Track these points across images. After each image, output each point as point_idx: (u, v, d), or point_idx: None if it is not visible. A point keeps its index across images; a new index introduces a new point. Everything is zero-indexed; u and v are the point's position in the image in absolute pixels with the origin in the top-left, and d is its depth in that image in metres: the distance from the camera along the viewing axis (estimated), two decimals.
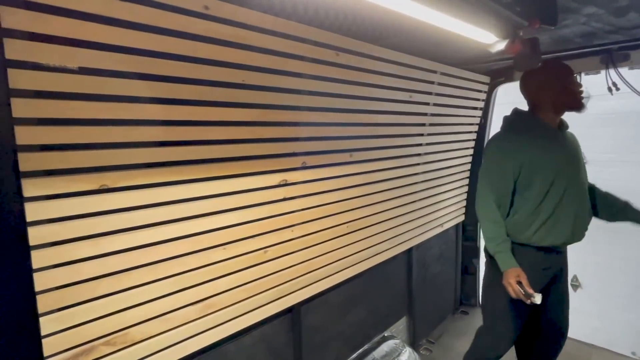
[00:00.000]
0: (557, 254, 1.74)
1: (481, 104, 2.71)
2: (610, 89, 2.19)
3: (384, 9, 0.90)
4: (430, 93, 2.14)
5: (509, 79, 2.61)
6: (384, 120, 1.92)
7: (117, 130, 1.00)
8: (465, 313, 3.08)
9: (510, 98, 3.89)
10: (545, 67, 1.61)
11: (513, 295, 1.59)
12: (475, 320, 3.00)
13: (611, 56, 2.17)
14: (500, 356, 1.84)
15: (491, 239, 1.67)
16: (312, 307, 1.78)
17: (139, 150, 1.06)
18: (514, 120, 1.74)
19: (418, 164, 2.27)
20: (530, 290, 1.54)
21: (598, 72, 2.40)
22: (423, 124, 2.22)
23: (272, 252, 1.49)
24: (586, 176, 1.76)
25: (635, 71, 2.19)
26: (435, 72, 2.10)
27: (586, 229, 1.73)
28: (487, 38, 1.07)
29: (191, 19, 1.07)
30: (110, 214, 1.02)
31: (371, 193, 1.95)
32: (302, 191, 1.57)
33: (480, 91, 2.61)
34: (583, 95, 1.75)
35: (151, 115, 1.07)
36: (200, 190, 1.21)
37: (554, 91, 1.61)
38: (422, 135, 2.24)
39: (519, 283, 1.57)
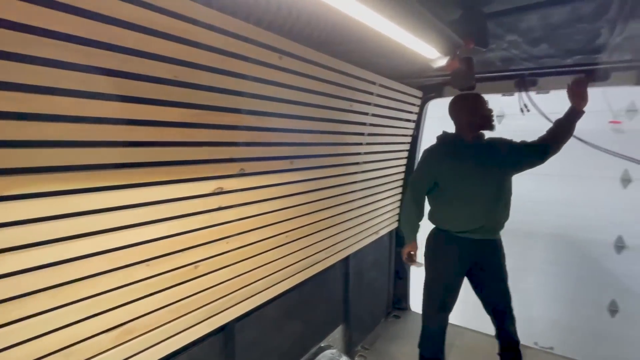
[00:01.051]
0: (475, 244, 2.08)
1: (414, 117, 2.85)
2: (522, 110, 2.46)
3: (335, 10, 0.87)
4: (369, 103, 2.19)
5: (439, 94, 2.79)
6: (325, 128, 1.90)
7: (9, 126, 0.82)
8: (397, 317, 3.20)
9: (440, 113, 4.21)
10: (465, 98, 2.07)
11: (404, 260, 2.26)
12: (407, 323, 3.13)
13: (523, 80, 2.45)
14: (438, 324, 2.22)
15: (402, 223, 2.33)
16: (246, 323, 1.67)
17: (40, 150, 0.88)
18: (441, 137, 2.19)
19: (356, 173, 2.30)
20: (415, 259, 2.24)
21: (512, 94, 2.69)
22: (362, 134, 2.26)
23: (203, 267, 1.36)
24: (501, 178, 2.05)
25: (542, 95, 2.48)
26: (374, 83, 2.15)
27: (497, 222, 2.10)
28: (431, 53, 1.11)
29: (115, 2, 0.92)
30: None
31: (311, 201, 1.91)
32: (238, 200, 1.47)
33: (413, 104, 2.75)
34: (497, 114, 2.08)
35: (58, 109, 0.89)
36: (119, 198, 1.05)
37: (470, 116, 2.04)
38: (361, 144, 2.28)
39: (411, 255, 2.22)
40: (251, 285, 1.63)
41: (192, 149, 1.25)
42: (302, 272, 1.97)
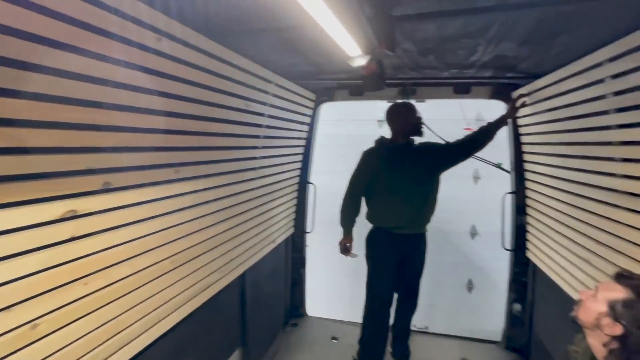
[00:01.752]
0: (404, 238, 2.30)
1: (308, 119, 2.79)
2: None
3: None
4: (265, 103, 2.00)
5: (331, 98, 2.79)
6: (218, 129, 1.63)
7: None
8: (295, 325, 3.10)
9: (334, 116, 4.29)
10: (399, 106, 2.33)
11: (341, 252, 2.44)
12: (305, 330, 3.06)
13: (405, 89, 2.63)
14: (378, 320, 2.41)
15: (341, 218, 2.41)
16: None
17: None
18: (378, 141, 2.40)
19: (253, 179, 2.09)
20: (351, 251, 2.44)
21: (395, 102, 2.87)
22: (257, 136, 2.06)
23: (47, 325, 0.96)
24: (430, 178, 2.31)
25: (419, 104, 2.69)
26: (270, 82, 1.97)
27: (425, 218, 2.37)
28: (353, 49, 1.00)
29: None
30: None
31: (201, 216, 1.62)
32: (101, 225, 1.09)
33: (307, 107, 2.68)
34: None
35: None
36: None
37: (404, 123, 2.28)
38: (256, 147, 2.07)
39: (347, 247, 2.42)
40: (125, 331, 1.26)
41: (25, 158, 0.86)
42: (193, 300, 1.65)
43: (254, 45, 1.48)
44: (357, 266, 2.58)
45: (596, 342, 1.19)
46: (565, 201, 1.92)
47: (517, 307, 2.76)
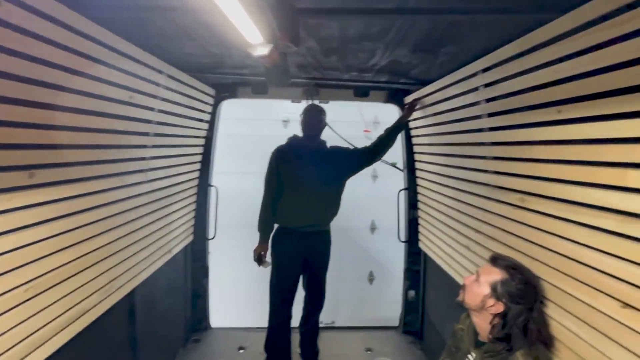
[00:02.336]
0: (309, 236, 2.32)
1: (208, 117, 2.58)
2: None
3: None
4: (155, 96, 1.76)
5: (233, 95, 2.64)
6: (91, 124, 1.35)
7: None
8: (198, 341, 2.84)
9: (237, 114, 4.07)
10: (313, 108, 2.40)
11: (255, 260, 2.37)
12: (209, 344, 2.83)
13: (309, 89, 2.64)
14: (280, 319, 2.41)
15: (259, 224, 2.36)
16: None
17: None
18: (290, 139, 2.42)
19: (141, 183, 1.81)
20: (264, 260, 2.36)
21: (299, 101, 2.87)
22: (147, 134, 1.80)
23: None
24: (336, 179, 2.37)
25: (322, 104, 2.73)
26: (161, 72, 1.74)
27: (329, 216, 2.43)
28: (254, 35, 0.91)
29: None
30: None
31: (69, 230, 1.32)
32: None
33: (206, 103, 2.47)
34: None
35: None
36: None
37: (316, 125, 2.36)
38: (145, 147, 1.81)
39: (261, 256, 2.35)
40: None
41: None
42: (62, 332, 1.34)
43: (137, 27, 1.26)
44: (267, 269, 2.50)
45: (481, 321, 1.34)
46: (449, 195, 2.15)
47: (412, 293, 3.03)
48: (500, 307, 1.26)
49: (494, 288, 1.28)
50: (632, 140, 0.91)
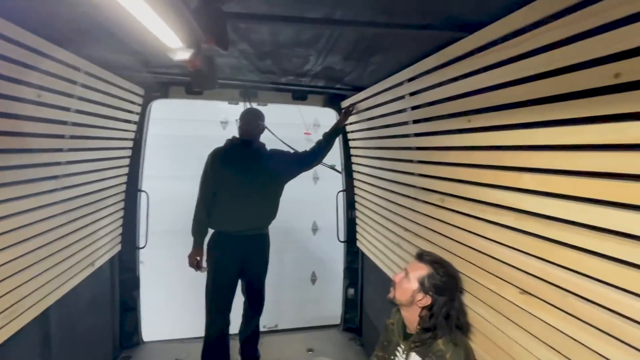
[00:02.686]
0: (245, 240, 2.28)
1: (136, 117, 2.41)
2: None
3: None
4: (71, 96, 1.61)
5: (165, 95, 2.50)
6: None
7: None
8: (128, 358, 2.64)
9: (172, 115, 3.86)
10: (253, 111, 2.38)
11: (190, 266, 2.30)
12: None
13: (246, 91, 2.60)
14: (217, 326, 2.34)
15: (193, 227, 2.29)
16: None
17: None
18: (227, 142, 2.37)
19: (55, 190, 1.64)
20: (202, 265, 2.30)
21: (237, 103, 2.82)
22: (62, 136, 1.63)
23: None
24: (274, 182, 2.35)
25: (261, 107, 2.72)
26: (78, 69, 1.59)
27: (266, 220, 2.39)
28: (172, 40, 0.87)
29: None
30: None
31: None
32: None
33: (134, 103, 2.32)
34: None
35: None
36: None
37: (255, 128, 2.35)
38: (61, 150, 1.64)
39: (197, 261, 2.29)
40: None
41: None
42: None
43: (41, 18, 1.14)
44: (203, 276, 2.41)
45: (410, 315, 1.44)
46: (382, 196, 2.27)
47: (351, 291, 3.13)
48: (428, 300, 1.37)
49: (421, 283, 1.38)
50: (526, 148, 1.04)
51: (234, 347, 2.56)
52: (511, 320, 1.15)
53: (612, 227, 0.79)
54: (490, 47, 1.10)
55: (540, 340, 1.05)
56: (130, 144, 2.45)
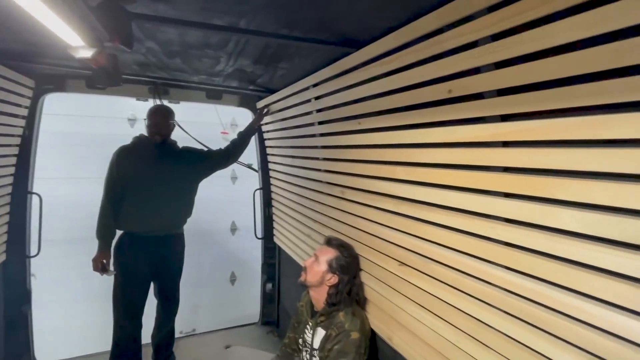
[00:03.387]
0: (157, 241, 2.22)
1: (25, 112, 2.18)
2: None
3: None
4: None
5: (60, 88, 2.30)
6: None
7: None
8: None
9: (70, 109, 3.48)
10: (163, 109, 2.29)
11: (95, 270, 2.16)
12: None
13: (156, 88, 2.53)
14: (128, 331, 2.24)
15: (98, 230, 2.16)
16: None
17: None
18: (134, 140, 2.28)
19: None
20: (107, 269, 2.18)
21: (146, 100, 2.72)
22: None
23: None
24: (187, 181, 2.33)
25: (173, 105, 2.67)
26: None
27: (176, 221, 2.35)
28: (72, 38, 0.87)
29: None
30: None
31: None
32: None
33: (23, 96, 2.10)
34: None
35: None
36: None
37: (164, 125, 2.24)
38: None
39: (103, 264, 2.16)
40: None
41: None
42: None
43: None
44: (109, 287, 2.27)
45: (318, 294, 1.62)
46: (295, 192, 2.43)
47: (269, 286, 3.24)
48: (335, 279, 1.56)
49: (330, 264, 1.57)
50: (397, 146, 1.29)
51: (146, 353, 2.46)
52: (393, 289, 1.40)
53: (459, 207, 1.04)
54: (372, 62, 1.32)
55: (414, 302, 1.30)
56: (17, 140, 2.20)
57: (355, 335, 1.45)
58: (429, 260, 1.21)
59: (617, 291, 0.68)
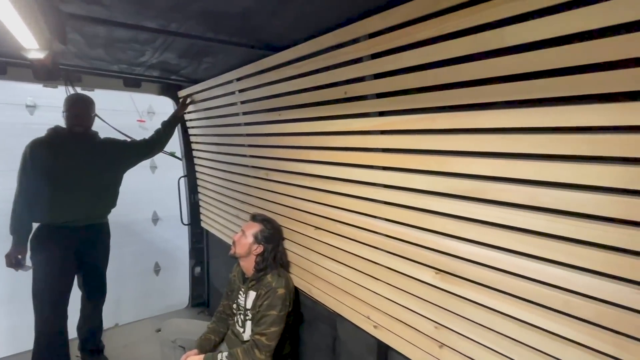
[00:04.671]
0: (80, 230, 2.23)
1: None
2: None
3: None
4: None
5: None
6: None
7: None
8: None
9: None
10: (82, 98, 2.28)
11: (9, 265, 2.12)
12: None
13: (68, 74, 2.45)
14: (53, 322, 2.20)
15: (12, 225, 2.10)
16: None
17: None
18: (50, 132, 2.21)
19: None
20: (23, 264, 2.15)
21: (56, 86, 2.60)
22: None
23: None
24: (110, 171, 2.35)
25: (88, 92, 2.60)
26: None
27: (98, 213, 2.37)
28: (28, 41, 0.94)
29: None
30: None
31: None
32: None
33: None
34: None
35: None
36: None
37: (84, 115, 2.25)
38: None
39: (19, 259, 2.12)
40: None
41: None
42: None
43: None
44: (18, 285, 2.19)
45: (247, 263, 1.88)
46: (221, 177, 2.62)
47: (197, 269, 3.38)
48: (260, 249, 1.83)
49: (255, 236, 1.84)
50: (308, 134, 1.61)
51: (72, 346, 2.44)
52: (311, 249, 1.74)
53: (353, 178, 1.40)
54: (288, 65, 1.60)
55: (326, 256, 1.65)
56: None
57: (281, 291, 1.75)
58: (336, 222, 1.57)
59: (447, 226, 1.10)
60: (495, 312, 1.01)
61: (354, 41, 1.23)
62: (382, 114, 1.25)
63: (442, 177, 1.09)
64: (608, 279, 0.78)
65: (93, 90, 2.68)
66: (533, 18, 0.80)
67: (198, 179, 3.13)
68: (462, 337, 1.11)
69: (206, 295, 3.37)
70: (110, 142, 2.41)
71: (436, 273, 1.15)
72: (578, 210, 0.81)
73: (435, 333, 1.19)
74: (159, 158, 4.30)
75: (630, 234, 0.74)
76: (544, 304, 0.90)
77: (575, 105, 0.78)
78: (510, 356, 1.00)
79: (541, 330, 0.92)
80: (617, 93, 0.72)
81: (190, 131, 3.03)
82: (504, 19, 0.84)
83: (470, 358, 1.10)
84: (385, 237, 1.32)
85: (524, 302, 0.94)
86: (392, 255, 1.30)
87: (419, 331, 1.24)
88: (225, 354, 1.72)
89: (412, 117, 1.15)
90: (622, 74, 0.70)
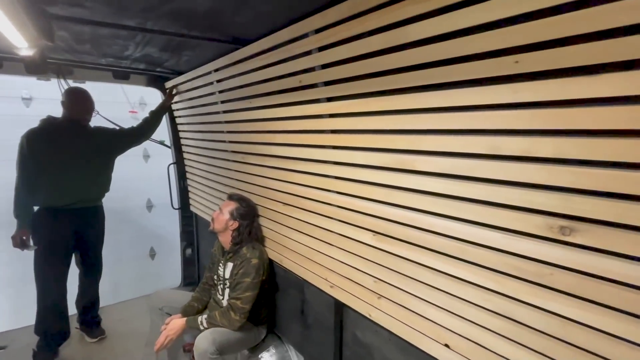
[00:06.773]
0: (76, 212, 2.42)
1: None
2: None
3: None
4: None
5: None
6: None
7: None
8: None
9: None
10: (80, 92, 2.43)
11: (15, 246, 2.27)
12: None
13: (60, 68, 2.63)
14: (54, 294, 2.41)
15: (15, 210, 2.26)
16: None
17: None
18: (43, 122, 2.36)
19: None
20: (27, 244, 2.30)
21: (49, 79, 2.78)
22: None
23: None
24: (102, 158, 2.54)
25: (80, 83, 2.77)
26: None
27: (92, 196, 2.56)
28: (18, 41, 1.12)
29: None
30: None
31: None
32: None
33: None
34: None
35: None
36: None
37: (82, 108, 2.42)
38: None
39: (24, 240, 2.28)
40: None
41: None
42: None
43: None
44: (19, 265, 2.37)
45: (225, 238, 2.08)
46: (206, 162, 2.81)
47: (189, 251, 3.59)
48: (236, 224, 2.04)
49: (231, 213, 2.04)
50: (273, 119, 1.80)
51: (72, 321, 2.64)
52: (281, 224, 1.95)
53: (309, 158, 1.60)
54: (253, 57, 1.78)
55: (294, 229, 1.86)
56: None
57: (255, 261, 1.96)
58: (299, 197, 1.77)
59: (379, 193, 1.30)
60: (418, 264, 1.22)
61: (304, 36, 1.42)
62: (330, 99, 1.44)
63: (374, 153, 1.28)
64: (495, 230, 0.98)
65: (84, 82, 2.85)
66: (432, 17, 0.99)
67: (186, 165, 3.32)
68: (394, 287, 1.32)
69: (197, 275, 3.59)
70: (101, 130, 2.59)
71: (373, 235, 1.36)
72: (472, 175, 1.01)
73: (374, 286, 1.40)
74: (152, 147, 4.50)
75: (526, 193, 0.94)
76: (446, 252, 1.10)
77: (463, 88, 0.98)
78: (429, 300, 1.21)
79: (446, 275, 1.12)
80: (484, 78, 0.91)
81: (178, 120, 3.21)
82: (409, 18, 1.03)
83: (400, 305, 1.31)
84: (337, 208, 1.52)
85: (434, 252, 1.15)
86: (342, 223, 1.50)
87: (363, 286, 1.45)
88: (204, 316, 1.94)
89: (352, 102, 1.34)
90: (484, 64, 0.89)
